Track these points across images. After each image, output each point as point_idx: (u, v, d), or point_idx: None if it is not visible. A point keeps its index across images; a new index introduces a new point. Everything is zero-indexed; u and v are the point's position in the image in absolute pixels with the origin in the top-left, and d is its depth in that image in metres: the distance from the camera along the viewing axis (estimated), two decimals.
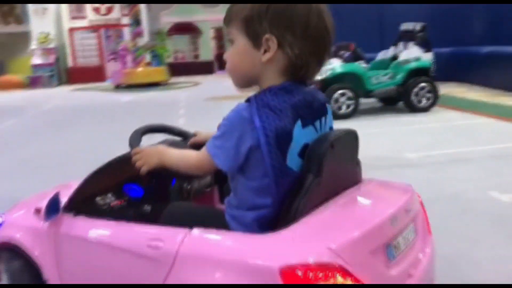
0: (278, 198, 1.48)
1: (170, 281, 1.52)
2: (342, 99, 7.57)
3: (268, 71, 1.51)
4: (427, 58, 7.88)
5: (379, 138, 6.05)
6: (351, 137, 1.73)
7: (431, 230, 1.89)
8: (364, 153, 5.27)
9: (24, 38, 24.17)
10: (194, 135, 2.15)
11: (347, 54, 8.55)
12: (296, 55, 1.46)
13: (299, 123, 1.49)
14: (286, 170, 1.47)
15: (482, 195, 3.76)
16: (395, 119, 7.52)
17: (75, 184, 2.03)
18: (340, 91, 7.54)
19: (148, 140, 1.97)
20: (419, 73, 7.78)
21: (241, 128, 1.46)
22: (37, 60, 22.64)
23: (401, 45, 8.23)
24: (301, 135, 1.50)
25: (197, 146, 1.92)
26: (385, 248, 1.53)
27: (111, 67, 22.55)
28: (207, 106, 10.97)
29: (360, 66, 8.14)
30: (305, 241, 1.41)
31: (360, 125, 6.90)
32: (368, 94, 7.90)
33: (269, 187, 1.47)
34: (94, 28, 23.81)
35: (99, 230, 1.85)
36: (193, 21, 24.75)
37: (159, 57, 19.56)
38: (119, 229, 1.78)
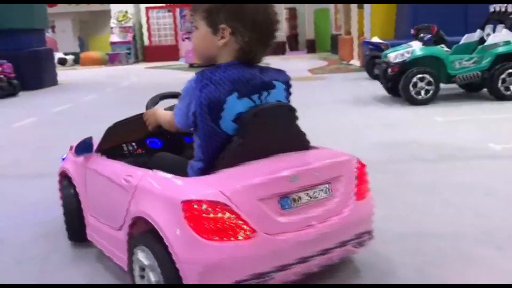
0: (208, 153, 1.93)
1: (132, 205, 2.07)
2: (421, 84, 7.19)
3: (222, 53, 1.93)
4: None
5: (461, 127, 5.71)
6: (283, 110, 2.08)
7: (363, 197, 2.20)
8: (445, 141, 5.06)
9: (104, 16, 25.24)
10: None
11: (428, 36, 8.10)
12: (245, 42, 1.88)
13: (234, 94, 1.89)
14: (216, 132, 1.89)
15: None
16: (478, 106, 7.06)
17: None
18: (419, 75, 7.17)
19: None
20: (508, 58, 7.23)
21: (190, 94, 1.87)
22: (115, 38, 23.56)
23: (489, 28, 7.67)
24: (236, 104, 1.90)
25: None
26: (279, 198, 1.90)
27: (185, 46, 23.01)
28: None
29: (442, 49, 7.69)
30: (207, 185, 1.86)
31: (440, 112, 6.60)
32: (449, 79, 7.45)
33: (201, 144, 1.93)
34: (169, 7, 24.34)
35: (105, 166, 2.49)
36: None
37: None
38: (115, 167, 2.41)
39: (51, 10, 25.50)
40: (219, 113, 1.87)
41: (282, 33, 25.19)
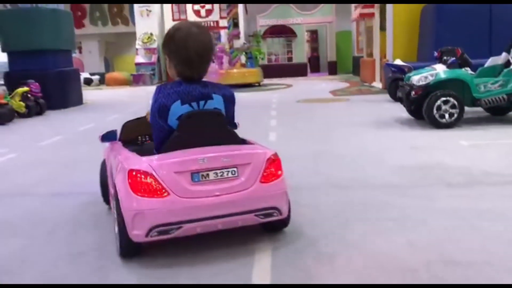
0: (157, 141, 2.94)
1: (115, 176, 3.04)
2: (445, 107, 7.10)
3: (172, 74, 2.99)
4: None
5: (487, 151, 5.60)
6: (212, 115, 2.94)
7: (268, 181, 2.93)
8: (471, 166, 4.98)
9: (129, 38, 25.78)
10: None
11: (452, 59, 8.05)
12: (176, 67, 2.92)
13: (178, 102, 2.86)
14: (163, 127, 2.89)
15: None
16: (504, 130, 6.92)
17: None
18: (443, 98, 7.09)
19: None
20: None
21: (153, 100, 2.88)
22: (140, 59, 24.02)
23: None
24: (179, 109, 2.86)
25: None
26: (191, 173, 2.76)
27: (212, 67, 23.27)
28: (298, 108, 10.91)
29: (467, 72, 7.61)
30: (145, 161, 2.82)
31: (465, 136, 6.49)
32: (474, 102, 7.35)
33: (154, 135, 2.96)
34: None
35: (118, 150, 3.38)
36: (288, 24, 24.85)
37: (254, 59, 19.86)
38: (121, 152, 3.27)
39: (78, 31, 26.18)
40: (166, 115, 2.87)
41: (303, 55, 25.35)
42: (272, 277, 2.64)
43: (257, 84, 18.87)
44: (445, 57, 8.03)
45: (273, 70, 24.09)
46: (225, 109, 3.03)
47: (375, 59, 16.93)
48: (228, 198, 2.81)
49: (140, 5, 24.38)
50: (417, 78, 7.44)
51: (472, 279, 2.50)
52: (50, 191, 4.73)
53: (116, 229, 2.96)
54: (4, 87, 10.46)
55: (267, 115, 9.79)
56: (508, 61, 7.48)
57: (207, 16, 24.51)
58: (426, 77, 7.36)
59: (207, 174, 2.81)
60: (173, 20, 24.58)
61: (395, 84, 10.98)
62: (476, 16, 12.11)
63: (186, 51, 2.85)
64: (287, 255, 2.93)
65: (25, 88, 11.31)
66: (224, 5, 21.48)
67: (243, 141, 3.16)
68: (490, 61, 7.66)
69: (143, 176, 2.75)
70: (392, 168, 4.92)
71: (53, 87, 12.89)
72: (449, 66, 7.58)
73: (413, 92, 7.44)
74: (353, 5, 22.13)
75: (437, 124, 7.15)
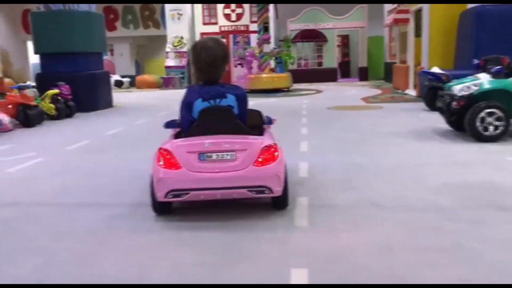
0: (184, 129, 3.89)
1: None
2: (490, 119, 6.67)
3: (195, 78, 4.05)
4: None
5: None
6: (223, 110, 3.83)
7: (261, 165, 3.67)
8: None
9: (160, 41, 25.88)
10: None
11: (496, 68, 7.59)
12: (195, 73, 3.89)
13: (200, 99, 3.78)
14: (190, 118, 3.82)
15: None
16: None
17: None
18: (487, 110, 6.66)
19: None
20: None
21: (183, 98, 3.89)
22: (170, 62, 24.05)
23: None
24: (200, 104, 3.78)
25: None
26: (198, 154, 3.64)
27: (237, 71, 23.18)
28: (330, 115, 10.56)
29: None
30: (169, 143, 3.76)
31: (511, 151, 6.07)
32: None
33: (182, 124, 3.94)
34: (223, 34, 24.67)
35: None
36: (319, 28, 24.50)
37: (283, 63, 19.59)
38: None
39: (110, 34, 26.45)
40: (191, 109, 3.85)
41: (333, 60, 24.94)
42: None
43: (286, 89, 18.58)
44: (489, 66, 7.58)
45: (302, 75, 23.74)
46: (238, 106, 3.93)
47: (408, 65, 16.42)
48: (226, 175, 3.67)
49: (171, 9, 24.44)
50: (459, 88, 7.03)
51: None
52: (76, 201, 4.57)
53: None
54: (35, 89, 10.47)
55: (297, 122, 9.49)
56: None
57: (237, 20, 24.38)
58: (469, 87, 6.95)
59: (211, 155, 3.70)
60: (204, 23, 24.59)
61: (432, 93, 10.54)
62: None
63: (200, 61, 3.83)
64: None
65: (56, 91, 11.32)
66: (254, 9, 21.30)
67: (260, 132, 4.18)
68: None
69: (165, 153, 3.73)
70: (436, 186, 4.57)
71: (83, 90, 12.91)
72: (494, 75, 7.13)
73: (454, 103, 7.03)
74: (386, 10, 21.65)
75: (479, 137, 6.72)
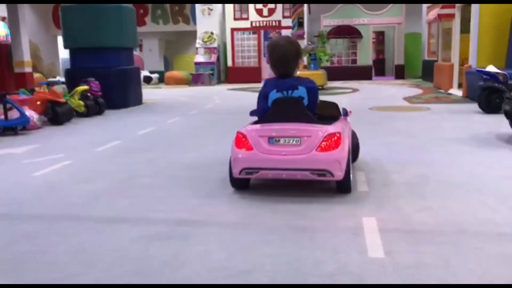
0: (260, 116, 4.52)
1: None
2: None
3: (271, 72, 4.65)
4: None
5: None
6: (293, 100, 4.34)
7: (322, 151, 4.10)
8: None
9: (189, 36, 25.45)
10: None
11: None
12: (271, 67, 4.48)
13: (274, 90, 4.37)
14: (266, 106, 4.42)
15: None
16: None
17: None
18: None
19: None
20: None
21: (261, 89, 4.54)
22: (200, 58, 23.55)
23: None
24: (275, 95, 4.37)
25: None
26: (268, 138, 4.19)
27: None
28: (374, 117, 9.81)
29: None
30: (246, 128, 4.39)
31: None
32: None
33: (258, 111, 4.56)
34: (254, 29, 24.05)
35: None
36: (353, 24, 23.63)
37: (317, 60, 18.84)
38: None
39: (140, 29, 26.13)
40: (267, 99, 4.40)
41: (368, 57, 24.05)
42: None
43: (320, 88, 17.85)
44: None
45: (335, 73, 22.92)
46: (308, 97, 4.39)
47: (453, 64, 15.48)
48: (291, 157, 4.13)
49: (202, 4, 23.95)
50: None
51: None
52: (104, 215, 4.02)
53: None
54: (64, 86, 10.07)
55: None
56: None
57: (269, 15, 23.72)
58: None
59: (279, 140, 4.21)
60: (235, 19, 24.00)
61: (487, 94, 9.71)
62: None
63: (273, 58, 4.44)
64: None
65: (85, 87, 10.90)
66: (287, 4, 20.58)
67: (329, 121, 4.51)
68: None
69: (241, 136, 4.31)
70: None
71: (114, 86, 12.50)
72: None
73: None
74: (425, 5, 20.65)
75: None
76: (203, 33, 23.94)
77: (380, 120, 9.25)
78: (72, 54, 13.17)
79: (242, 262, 3.00)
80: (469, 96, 12.38)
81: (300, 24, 18.47)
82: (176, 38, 27.40)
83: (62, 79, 13.47)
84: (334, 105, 5.10)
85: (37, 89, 10.42)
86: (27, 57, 15.95)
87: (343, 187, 4.32)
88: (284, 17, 23.03)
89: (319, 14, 23.97)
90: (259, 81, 21.55)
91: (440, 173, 5.05)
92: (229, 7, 23.88)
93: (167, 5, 25.90)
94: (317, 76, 17.88)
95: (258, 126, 4.38)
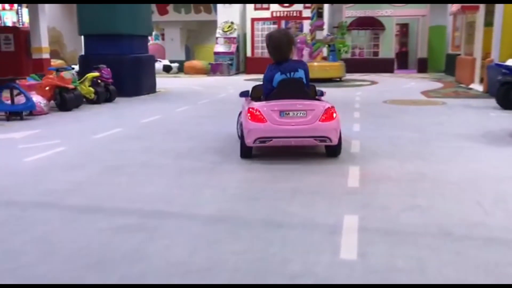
0: (266, 95, 5.39)
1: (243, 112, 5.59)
2: None
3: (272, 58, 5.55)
4: None
5: None
6: (297, 81, 5.26)
7: (324, 121, 5.03)
8: None
9: (210, 26, 25.30)
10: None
11: None
12: (270, 53, 5.39)
13: (279, 73, 5.25)
14: (271, 87, 5.30)
15: None
16: None
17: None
18: None
19: None
20: None
21: (266, 73, 5.41)
22: (219, 48, 23.41)
23: None
24: (279, 77, 5.25)
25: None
26: (279, 111, 5.06)
27: None
28: (386, 110, 9.51)
29: None
30: (257, 104, 5.22)
31: None
32: None
33: (264, 91, 5.44)
34: (275, 20, 23.75)
35: (247, 101, 5.67)
36: (376, 15, 23.08)
37: (336, 52, 18.46)
38: (247, 101, 5.67)
39: (161, 18, 26.16)
40: (272, 80, 5.25)
41: (390, 49, 23.49)
42: None
43: (338, 79, 17.50)
44: None
45: (356, 65, 22.47)
46: (305, 78, 5.33)
47: (475, 58, 14.93)
48: (298, 127, 5.02)
49: None
50: None
51: None
52: (80, 203, 3.91)
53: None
54: (73, 72, 10.05)
55: (349, 117, 8.52)
56: None
57: (290, 5, 23.36)
58: None
59: (288, 113, 5.04)
60: (255, 9, 23.74)
61: (506, 89, 9.29)
62: None
63: (270, 47, 5.37)
64: None
65: (95, 74, 10.88)
66: None
67: (316, 98, 5.59)
68: None
69: (255, 111, 5.04)
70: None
71: (127, 74, 12.48)
72: None
73: None
74: None
75: None
76: (223, 23, 23.77)
77: (391, 114, 8.95)
78: (86, 40, 13.19)
79: (205, 259, 2.85)
80: (490, 92, 11.90)
81: (320, 15, 18.09)
82: (198, 28, 27.30)
83: (76, 66, 13.52)
84: (313, 87, 5.78)
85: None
86: (45, 43, 16.05)
87: (335, 151, 5.31)
88: (305, 7, 22.64)
89: (342, 4, 23.49)
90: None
91: (437, 170, 4.79)
92: None
93: None
94: (335, 67, 17.56)
95: (268, 102, 5.19)
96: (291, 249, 2.96)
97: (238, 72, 23.20)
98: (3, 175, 4.81)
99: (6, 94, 8.57)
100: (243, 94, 5.95)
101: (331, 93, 13.26)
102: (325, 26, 19.95)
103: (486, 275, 2.61)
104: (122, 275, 2.65)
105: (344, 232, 3.21)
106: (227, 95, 12.91)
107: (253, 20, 23.95)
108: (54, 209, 3.75)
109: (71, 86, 9.73)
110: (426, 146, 6.01)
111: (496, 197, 3.95)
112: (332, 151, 5.29)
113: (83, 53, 13.59)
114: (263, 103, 5.20)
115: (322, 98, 5.74)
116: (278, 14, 23.65)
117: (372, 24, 23.08)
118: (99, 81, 11.01)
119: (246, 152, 5.25)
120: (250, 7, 23.76)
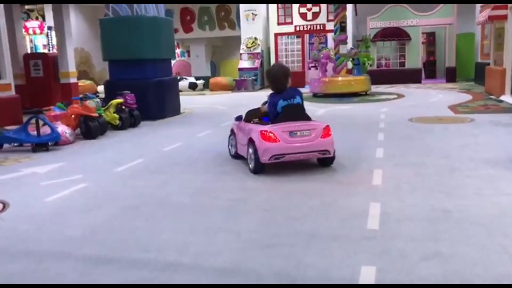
0: (272, 118, 6.39)
1: (249, 135, 6.44)
2: None
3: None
4: None
5: None
6: (298, 106, 6.37)
7: (323, 137, 6.18)
8: None
9: (235, 42, 25.47)
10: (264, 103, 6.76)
11: None
12: (271, 85, 6.57)
13: (281, 99, 6.30)
14: (276, 112, 6.31)
15: None
16: None
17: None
18: None
19: None
20: None
21: (270, 100, 6.45)
22: (243, 64, 23.52)
23: None
24: (282, 102, 6.29)
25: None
26: (289, 132, 6.10)
27: (311, 74, 22.15)
28: (412, 130, 9.27)
29: None
30: (267, 127, 6.19)
31: None
32: None
33: (270, 115, 6.44)
34: (298, 34, 23.71)
35: (245, 125, 6.75)
36: (402, 26, 22.76)
37: (361, 65, 18.26)
38: (249, 125, 6.64)
39: (186, 35, 26.50)
40: (276, 106, 6.28)
41: (417, 60, 23.09)
42: None
43: (363, 93, 17.28)
44: None
45: (383, 76, 22.20)
46: (302, 103, 6.41)
47: (505, 68, 14.49)
48: (305, 144, 6.06)
49: (246, 9, 23.89)
50: None
51: None
52: (94, 253, 3.90)
53: (251, 164, 6.25)
54: (98, 100, 10.22)
55: (372, 140, 8.37)
56: None
57: (313, 19, 23.31)
58: None
59: (296, 133, 6.06)
60: (278, 24, 23.79)
61: None
62: None
63: (269, 79, 6.54)
64: None
65: (120, 100, 11.06)
66: (332, 8, 20.10)
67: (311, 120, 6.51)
68: None
69: (267, 133, 6.01)
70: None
71: (151, 97, 12.65)
72: None
73: None
74: (479, 4, 19.52)
75: None
76: (247, 38, 23.91)
77: (416, 135, 8.72)
78: (111, 65, 13.43)
79: None
80: None
81: (343, 29, 17.95)
82: (222, 43, 27.54)
83: (98, 93, 13.75)
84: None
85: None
86: (72, 67, 16.50)
87: (329, 162, 6.41)
88: (328, 20, 22.58)
89: (366, 16, 23.30)
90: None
91: (463, 206, 4.59)
92: (273, 11, 23.72)
93: (213, 11, 26.08)
94: (359, 81, 17.36)
95: (278, 125, 6.11)
96: None
97: (262, 87, 23.22)
98: (24, 217, 4.87)
99: (32, 125, 8.78)
100: (238, 118, 6.99)
101: (354, 111, 13.13)
102: (349, 39, 19.79)
103: None
104: None
105: None
106: None
107: (276, 35, 24.00)
108: (69, 260, 3.75)
109: (95, 114, 9.89)
110: (451, 175, 5.80)
111: None
112: (328, 161, 6.39)
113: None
114: (274, 126, 6.12)
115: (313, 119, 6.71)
116: (301, 28, 23.64)
117: (398, 35, 22.79)
118: (123, 107, 11.17)
119: (262, 169, 6.14)
120: (273, 22, 23.83)
